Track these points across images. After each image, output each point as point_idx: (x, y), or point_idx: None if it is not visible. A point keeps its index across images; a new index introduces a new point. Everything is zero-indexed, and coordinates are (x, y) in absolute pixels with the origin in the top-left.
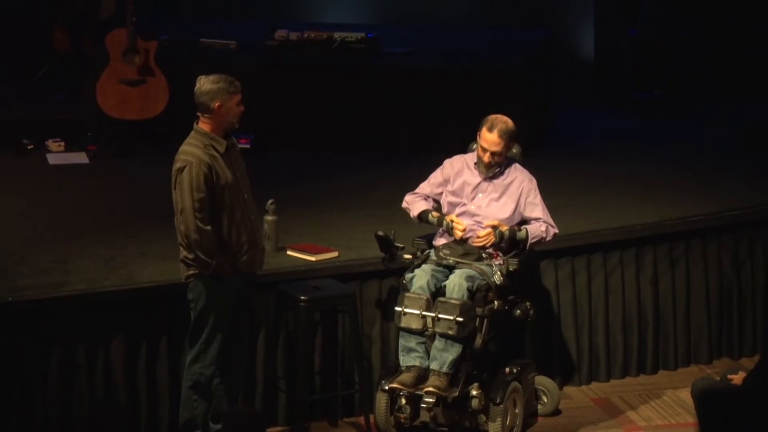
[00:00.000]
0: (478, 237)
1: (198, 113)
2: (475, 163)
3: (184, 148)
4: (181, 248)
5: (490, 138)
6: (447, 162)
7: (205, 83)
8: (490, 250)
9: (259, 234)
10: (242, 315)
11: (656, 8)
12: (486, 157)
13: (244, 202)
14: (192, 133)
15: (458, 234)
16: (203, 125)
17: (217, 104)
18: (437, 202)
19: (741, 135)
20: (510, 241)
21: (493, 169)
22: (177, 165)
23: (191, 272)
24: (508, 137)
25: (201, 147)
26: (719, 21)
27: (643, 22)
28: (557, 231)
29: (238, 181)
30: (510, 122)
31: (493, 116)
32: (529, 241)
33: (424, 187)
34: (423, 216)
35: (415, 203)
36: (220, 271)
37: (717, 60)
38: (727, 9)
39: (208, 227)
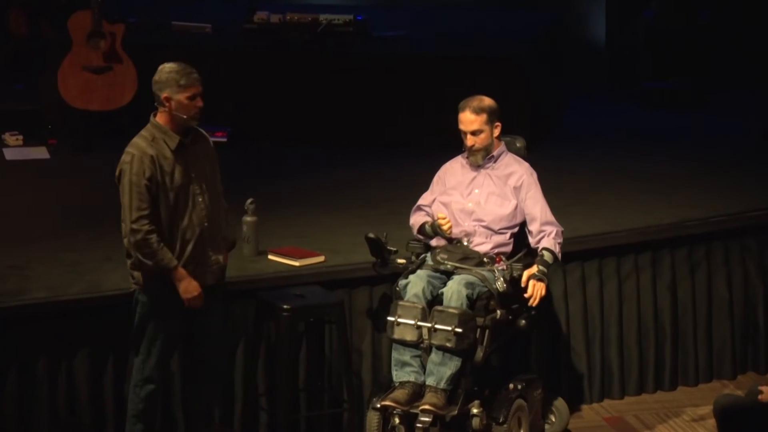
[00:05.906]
0: (529, 296)
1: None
2: (467, 157)
3: (133, 140)
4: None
5: (464, 118)
6: (444, 165)
7: (160, 71)
8: (492, 254)
9: (216, 244)
10: (211, 331)
11: None
12: (468, 141)
13: (193, 206)
14: (147, 124)
15: (443, 225)
16: (159, 117)
17: (164, 96)
18: None
19: (765, 127)
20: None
21: (481, 154)
22: (122, 158)
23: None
24: (486, 113)
25: (149, 139)
26: (741, 3)
27: (658, 3)
28: (561, 228)
29: (190, 183)
30: (486, 99)
31: (468, 98)
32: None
33: (426, 197)
34: (421, 231)
35: (416, 221)
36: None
37: (738, 46)
38: None
39: (146, 227)
